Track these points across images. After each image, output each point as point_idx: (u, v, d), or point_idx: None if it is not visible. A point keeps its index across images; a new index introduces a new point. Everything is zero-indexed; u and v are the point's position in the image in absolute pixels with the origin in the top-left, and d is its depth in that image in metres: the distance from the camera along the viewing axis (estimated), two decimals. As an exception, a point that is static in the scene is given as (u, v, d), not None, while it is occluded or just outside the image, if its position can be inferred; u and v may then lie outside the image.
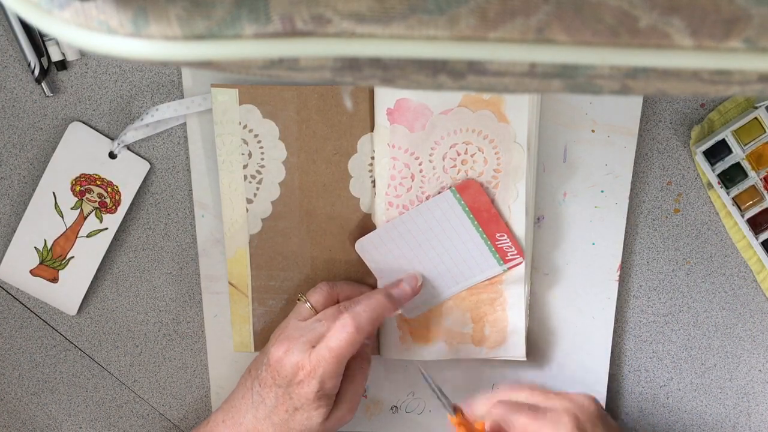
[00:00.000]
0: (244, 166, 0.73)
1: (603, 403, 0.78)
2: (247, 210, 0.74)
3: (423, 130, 0.71)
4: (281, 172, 0.74)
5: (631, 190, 0.76)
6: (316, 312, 0.72)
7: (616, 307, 0.77)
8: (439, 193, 0.73)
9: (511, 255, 0.73)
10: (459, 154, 0.72)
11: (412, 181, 0.72)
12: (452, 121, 0.71)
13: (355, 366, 0.71)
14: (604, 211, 0.75)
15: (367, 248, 0.74)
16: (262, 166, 0.73)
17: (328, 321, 0.69)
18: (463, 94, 0.70)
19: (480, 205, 0.72)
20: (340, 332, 0.67)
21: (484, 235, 0.73)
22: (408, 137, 0.71)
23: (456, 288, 0.74)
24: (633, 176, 0.75)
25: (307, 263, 0.75)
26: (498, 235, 0.72)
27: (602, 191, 0.75)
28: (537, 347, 0.77)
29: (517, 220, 0.73)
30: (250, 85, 0.72)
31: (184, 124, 0.74)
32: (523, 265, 0.73)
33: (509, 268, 0.73)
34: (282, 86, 0.72)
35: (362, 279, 0.76)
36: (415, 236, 0.73)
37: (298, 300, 0.73)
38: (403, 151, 0.72)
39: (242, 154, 0.73)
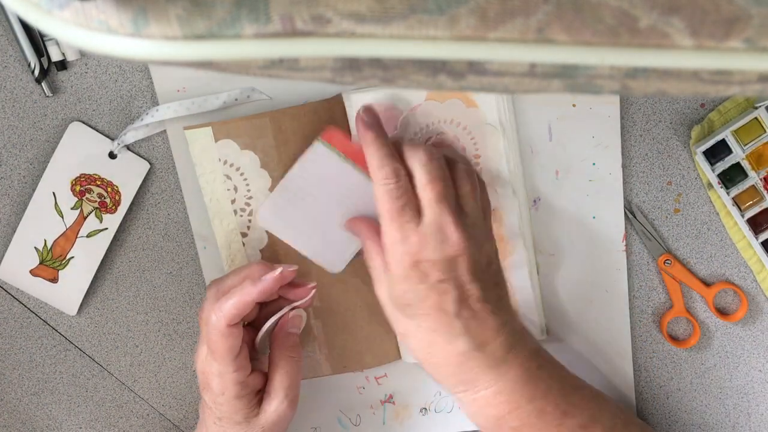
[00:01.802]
0: (232, 201, 0.72)
1: (630, 374, 0.78)
2: (244, 244, 0.73)
3: (395, 130, 0.71)
4: None
5: (632, 190, 0.76)
6: None
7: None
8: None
9: None
10: (436, 147, 0.72)
11: None
12: (422, 115, 0.71)
13: (279, 355, 0.69)
14: (599, 184, 0.75)
15: (269, 218, 0.71)
16: (250, 198, 0.72)
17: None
18: None
19: (351, 148, 0.70)
20: (203, 329, 0.67)
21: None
22: None
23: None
24: (633, 176, 0.75)
25: (311, 279, 0.74)
26: None
27: (594, 164, 0.75)
28: (556, 328, 0.77)
29: (507, 203, 0.73)
30: (223, 121, 0.71)
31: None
32: (520, 244, 0.73)
33: None
34: (254, 115, 0.71)
35: (369, 284, 0.75)
36: (310, 192, 0.70)
37: None
38: None
39: (228, 189, 0.72)
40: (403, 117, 0.71)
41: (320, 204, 0.70)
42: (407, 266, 0.62)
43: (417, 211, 0.63)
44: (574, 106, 0.73)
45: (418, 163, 0.63)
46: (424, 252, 0.62)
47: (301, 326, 0.70)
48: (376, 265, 0.66)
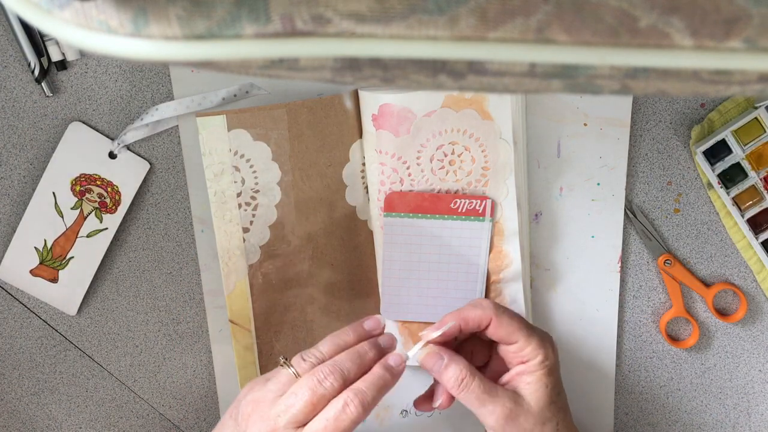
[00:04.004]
0: (238, 194, 0.72)
1: (611, 396, 0.78)
2: (244, 240, 0.73)
3: (408, 134, 0.71)
4: (276, 194, 0.72)
5: (632, 190, 0.76)
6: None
7: (619, 301, 0.77)
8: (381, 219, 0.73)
9: (478, 206, 0.73)
10: (446, 155, 0.72)
11: (402, 185, 0.72)
12: (436, 122, 0.71)
13: None
14: (602, 204, 0.75)
15: (392, 313, 0.75)
16: (257, 191, 0.72)
17: (305, 395, 0.62)
18: (446, 94, 0.70)
19: (411, 202, 0.72)
20: (341, 414, 0.61)
21: (445, 216, 0.73)
22: (394, 142, 0.71)
23: (479, 281, 0.74)
24: (633, 176, 0.76)
25: (309, 282, 0.74)
26: (452, 205, 0.73)
27: (598, 184, 0.75)
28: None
29: (510, 216, 0.73)
30: (238, 110, 0.70)
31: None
32: (518, 259, 0.73)
33: (491, 216, 0.73)
34: (271, 105, 0.71)
35: (367, 295, 0.75)
36: (405, 267, 0.74)
37: (281, 365, 0.65)
38: (390, 156, 0.72)
39: (234, 182, 0.71)
40: (417, 121, 0.71)
41: (422, 270, 0.74)
42: (556, 357, 0.68)
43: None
44: (585, 125, 0.74)
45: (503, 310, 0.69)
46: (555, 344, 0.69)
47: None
48: (491, 389, 0.67)
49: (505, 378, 0.68)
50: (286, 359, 0.65)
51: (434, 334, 0.66)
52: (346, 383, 0.63)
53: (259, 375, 0.74)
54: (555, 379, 0.67)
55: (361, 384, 0.62)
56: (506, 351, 0.68)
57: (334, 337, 0.67)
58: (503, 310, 0.67)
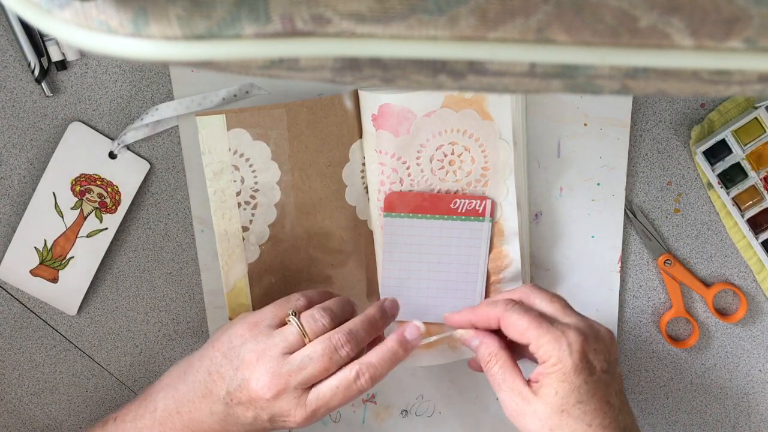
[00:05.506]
0: (237, 194, 0.72)
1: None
2: (244, 239, 0.73)
3: (408, 134, 0.71)
4: (276, 194, 0.72)
5: (632, 190, 0.76)
6: (308, 339, 0.64)
7: (619, 301, 0.77)
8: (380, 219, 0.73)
9: (478, 206, 0.73)
10: (446, 155, 0.72)
11: (401, 185, 0.72)
12: (436, 122, 0.71)
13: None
14: (602, 204, 0.75)
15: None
16: (256, 190, 0.72)
17: (322, 360, 0.63)
18: (445, 95, 0.70)
19: (412, 203, 0.72)
20: (352, 384, 0.63)
21: (445, 216, 0.73)
22: (393, 142, 0.71)
23: (478, 281, 0.74)
24: (633, 176, 0.76)
25: (309, 282, 0.74)
26: (452, 205, 0.73)
27: (598, 184, 0.75)
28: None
29: (510, 216, 0.73)
30: (238, 109, 0.71)
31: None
32: (518, 259, 0.73)
33: (491, 216, 0.73)
34: (270, 105, 0.71)
35: (366, 295, 0.75)
36: (406, 267, 0.74)
37: (288, 321, 0.66)
38: (390, 156, 0.72)
39: (234, 181, 0.71)
40: (417, 121, 0.71)
41: (422, 270, 0.74)
42: (578, 359, 0.61)
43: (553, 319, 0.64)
44: (585, 125, 0.74)
45: (539, 297, 0.66)
46: (589, 343, 0.62)
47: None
48: (508, 379, 0.65)
49: (532, 375, 0.65)
50: (296, 314, 0.66)
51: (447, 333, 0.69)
52: (359, 351, 0.65)
53: None
54: (570, 386, 0.61)
55: (373, 358, 0.64)
56: (530, 349, 0.64)
57: (347, 304, 0.68)
58: (514, 309, 0.64)
